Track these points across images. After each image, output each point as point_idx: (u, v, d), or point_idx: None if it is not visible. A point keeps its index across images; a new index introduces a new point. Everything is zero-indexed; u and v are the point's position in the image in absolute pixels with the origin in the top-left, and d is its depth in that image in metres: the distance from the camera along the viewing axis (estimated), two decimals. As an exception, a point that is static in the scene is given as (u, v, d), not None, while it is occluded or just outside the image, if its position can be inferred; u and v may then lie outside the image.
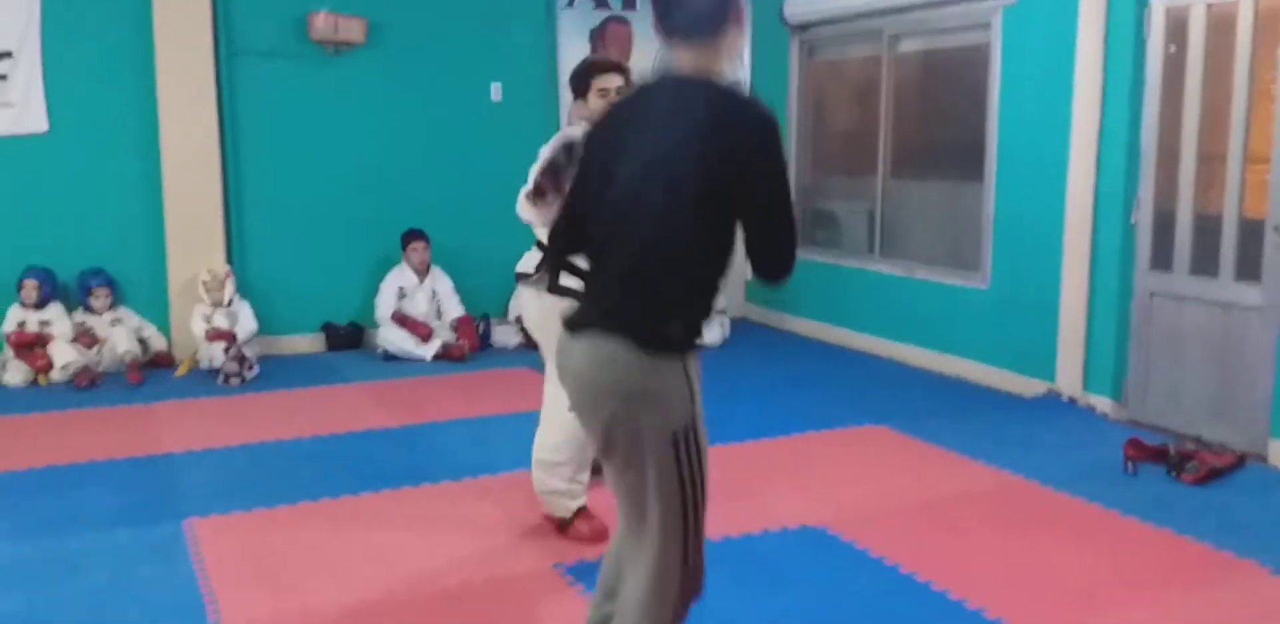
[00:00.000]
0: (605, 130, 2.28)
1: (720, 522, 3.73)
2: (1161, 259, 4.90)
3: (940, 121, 6.37)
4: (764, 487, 4.15)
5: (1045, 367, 5.43)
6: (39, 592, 3.22)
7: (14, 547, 3.57)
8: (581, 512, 3.65)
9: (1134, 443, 4.43)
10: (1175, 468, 4.23)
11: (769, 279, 2.20)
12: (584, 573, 3.31)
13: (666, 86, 2.22)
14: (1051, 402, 5.35)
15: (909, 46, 6.45)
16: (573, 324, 2.23)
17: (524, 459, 4.38)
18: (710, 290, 2.18)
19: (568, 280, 2.39)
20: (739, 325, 7.32)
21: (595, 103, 3.47)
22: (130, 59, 6.07)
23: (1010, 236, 5.68)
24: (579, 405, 2.25)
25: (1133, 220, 5.00)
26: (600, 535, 3.54)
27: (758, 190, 2.08)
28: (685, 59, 2.20)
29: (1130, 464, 4.32)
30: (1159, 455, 4.36)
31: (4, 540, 3.62)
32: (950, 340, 6.03)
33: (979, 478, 4.27)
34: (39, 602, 3.15)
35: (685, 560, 2.22)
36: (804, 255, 7.00)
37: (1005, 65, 5.63)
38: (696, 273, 2.13)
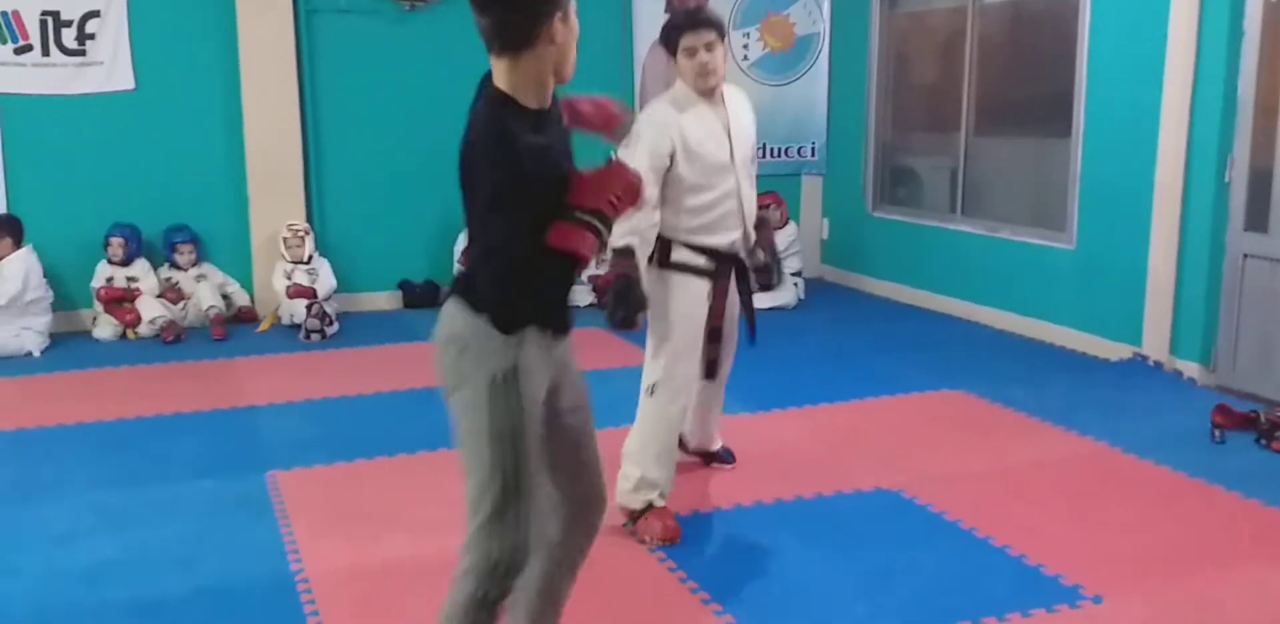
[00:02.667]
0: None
1: (793, 483, 3.74)
2: (1256, 219, 4.71)
3: (1026, 76, 6.17)
4: (837, 450, 4.12)
5: (1132, 330, 5.28)
6: (132, 537, 3.35)
7: (108, 494, 3.71)
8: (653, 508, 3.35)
9: (1222, 410, 4.30)
10: (1265, 436, 4.10)
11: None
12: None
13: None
14: (1137, 366, 5.21)
15: (995, -2, 6.25)
16: None
17: (602, 416, 4.43)
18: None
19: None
20: (814, 286, 7.24)
21: (684, 64, 3.20)
22: (213, 18, 6.15)
23: (1098, 196, 5.50)
24: None
25: (1227, 179, 4.81)
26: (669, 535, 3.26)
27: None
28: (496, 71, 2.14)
29: (1218, 431, 4.20)
30: (1248, 423, 4.22)
31: (98, 487, 3.76)
32: (1034, 303, 5.89)
33: (1059, 444, 4.18)
34: (133, 546, 3.28)
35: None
36: (883, 214, 7.03)
37: (1095, 16, 5.42)
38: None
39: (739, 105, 3.42)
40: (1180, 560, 3.16)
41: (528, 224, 2.04)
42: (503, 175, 2.01)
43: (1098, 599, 2.91)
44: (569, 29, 2.10)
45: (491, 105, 2.09)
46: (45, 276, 5.76)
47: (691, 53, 3.18)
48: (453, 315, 2.18)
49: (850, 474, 3.85)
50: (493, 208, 2.05)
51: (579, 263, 2.09)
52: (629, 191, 2.11)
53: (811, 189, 7.68)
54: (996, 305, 6.15)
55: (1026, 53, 6.18)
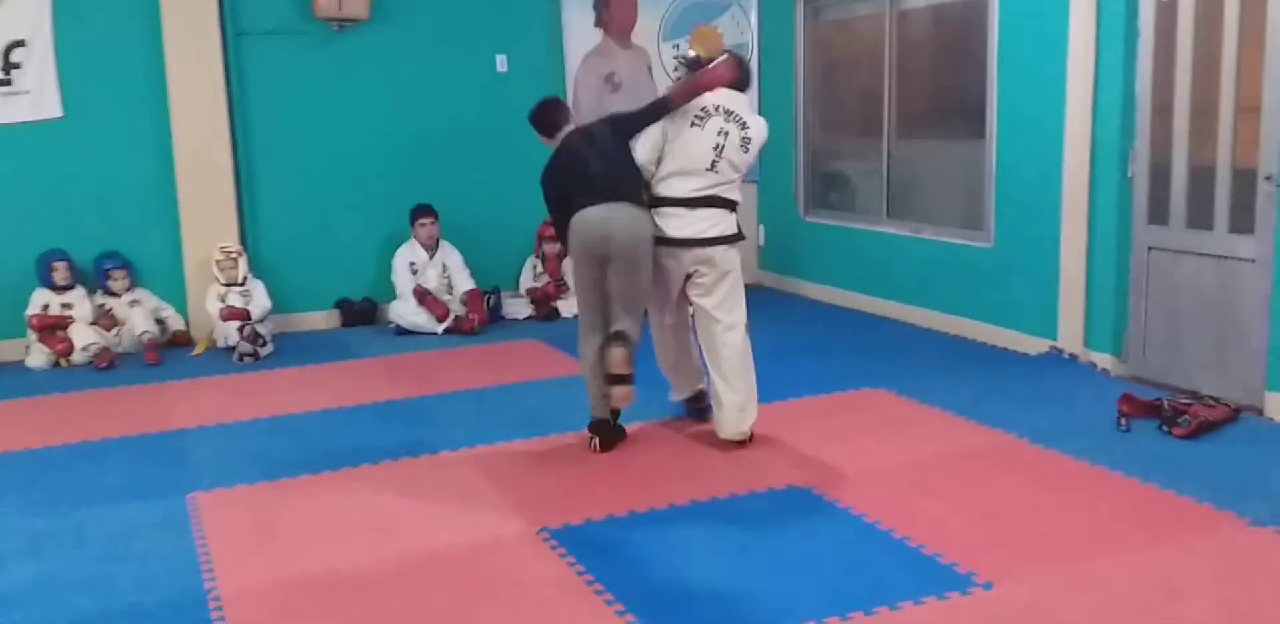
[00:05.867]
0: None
1: (706, 484, 3.83)
2: (1158, 213, 4.86)
3: (943, 79, 6.33)
4: (755, 450, 4.21)
5: (1048, 324, 5.43)
6: (50, 560, 3.39)
7: (30, 519, 3.74)
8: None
9: (1127, 399, 4.43)
10: (1168, 422, 4.23)
11: None
12: (568, 537, 3.41)
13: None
14: (1053, 359, 5.35)
15: (911, 3, 6.39)
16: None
17: (520, 428, 4.52)
18: None
19: None
20: (751, 292, 7.28)
21: None
22: (140, 43, 6.16)
23: (1012, 194, 5.65)
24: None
25: (1130, 174, 4.96)
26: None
27: None
28: None
29: (1123, 420, 4.33)
30: (1152, 410, 4.36)
31: (22, 513, 3.79)
32: (958, 301, 6.03)
33: (971, 437, 4.30)
34: (50, 569, 3.33)
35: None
36: (816, 219, 7.16)
37: (1003, 20, 5.58)
38: None
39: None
40: (1072, 545, 3.27)
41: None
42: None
43: (988, 585, 3.01)
44: None
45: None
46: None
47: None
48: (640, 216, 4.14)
49: (765, 473, 3.94)
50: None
51: None
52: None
53: (747, 196, 7.75)
54: (922, 304, 6.29)
55: (942, 57, 6.34)
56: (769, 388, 4.97)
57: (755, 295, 7.19)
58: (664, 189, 4.18)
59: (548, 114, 4.36)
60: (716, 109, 4.14)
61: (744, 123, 4.16)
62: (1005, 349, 5.64)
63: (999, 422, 4.43)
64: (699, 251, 4.15)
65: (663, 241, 4.17)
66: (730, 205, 4.20)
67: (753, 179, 7.72)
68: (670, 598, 3.02)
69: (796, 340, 6.07)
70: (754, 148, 4.22)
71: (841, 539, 3.37)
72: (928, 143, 6.56)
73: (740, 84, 4.30)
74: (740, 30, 7.62)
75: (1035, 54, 5.37)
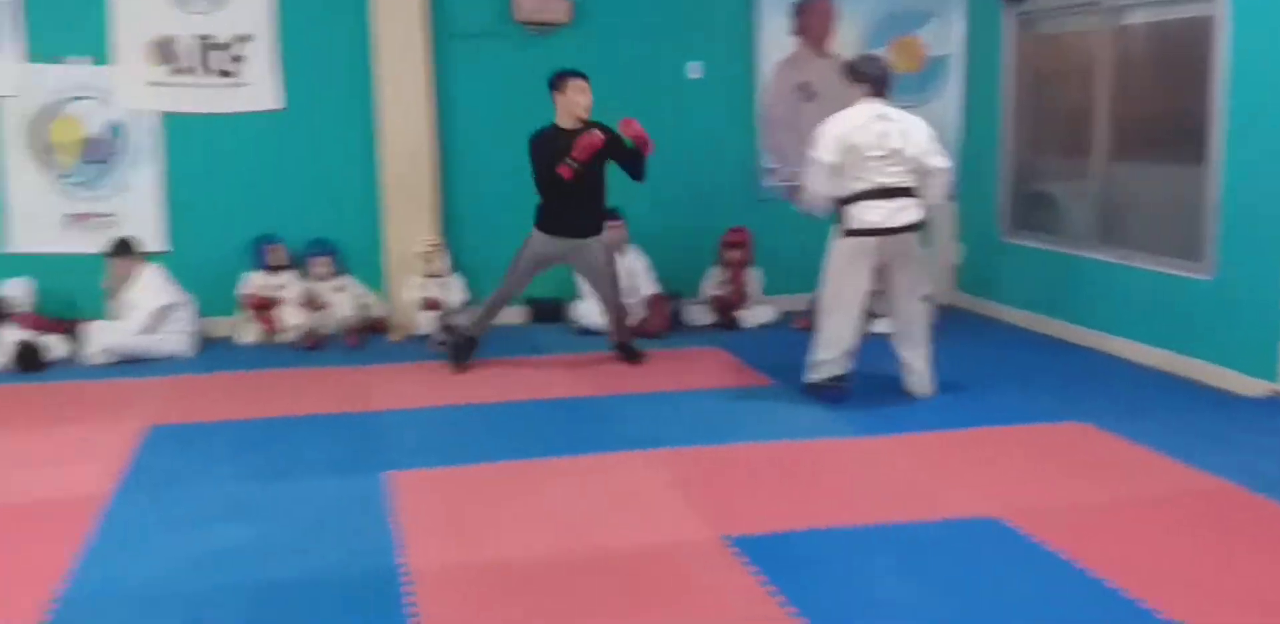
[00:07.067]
0: None
1: (894, 506, 3.72)
2: None
3: (1163, 99, 5.98)
4: (943, 477, 4.07)
5: (1269, 365, 5.04)
6: (258, 525, 3.59)
7: (241, 485, 3.99)
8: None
9: (1363, 450, 4.07)
10: None
11: None
12: (751, 546, 3.36)
13: None
14: (1274, 403, 4.96)
15: (1131, 18, 6.07)
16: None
17: (700, 433, 4.51)
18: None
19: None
20: (945, 313, 7.12)
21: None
22: (354, 42, 6.48)
23: (1239, 224, 5.27)
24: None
25: (1380, 208, 4.56)
26: None
27: None
28: None
29: (1356, 473, 3.98)
30: (1392, 465, 3.99)
31: (236, 480, 4.05)
32: (1169, 334, 5.66)
33: (1181, 480, 4.03)
34: (261, 533, 3.52)
35: None
36: (1018, 240, 6.89)
37: (1236, 38, 5.22)
38: None
39: None
40: (1297, 604, 3.02)
41: None
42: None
43: (1199, 636, 2.81)
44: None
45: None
46: (181, 286, 6.14)
47: None
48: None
49: (957, 501, 3.80)
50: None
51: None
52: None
53: (944, 213, 7.56)
54: (1130, 335, 5.94)
55: (1163, 75, 5.99)
56: (964, 414, 4.84)
57: (952, 317, 7.06)
58: None
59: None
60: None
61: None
62: (1220, 389, 5.27)
63: (1212, 465, 4.13)
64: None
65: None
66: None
67: (951, 196, 7.51)
68: (858, 622, 2.94)
69: (993, 367, 5.81)
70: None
71: (1037, 576, 3.20)
72: (1143, 165, 6.21)
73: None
74: (945, 41, 7.42)
75: (1273, 74, 5.01)
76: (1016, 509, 3.70)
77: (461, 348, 5.65)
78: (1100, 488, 3.95)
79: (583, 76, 5.41)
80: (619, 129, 5.38)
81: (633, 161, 5.47)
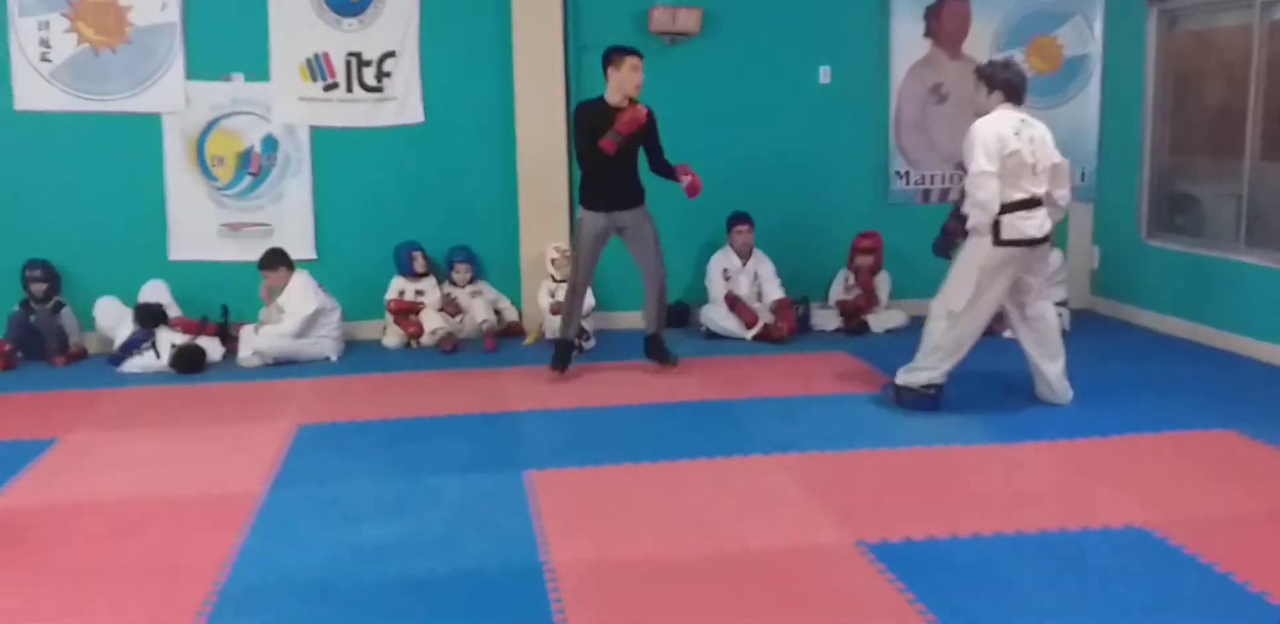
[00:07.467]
0: None
1: (1035, 514, 3.67)
2: None
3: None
4: (1087, 485, 3.99)
5: None
6: (407, 521, 3.74)
7: (388, 482, 4.16)
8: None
9: None
10: None
11: None
12: (887, 553, 3.37)
13: None
14: None
15: (1286, 14, 5.84)
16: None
17: (830, 439, 4.51)
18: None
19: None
20: (1083, 318, 6.94)
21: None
22: (492, 57, 6.68)
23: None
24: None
25: None
26: None
27: None
28: None
29: None
30: None
31: (382, 477, 4.22)
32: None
33: (1340, 491, 3.87)
34: (409, 528, 3.68)
35: None
36: (1160, 242, 6.67)
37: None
38: None
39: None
40: None
41: None
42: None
43: (1367, 656, 2.71)
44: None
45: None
46: (329, 291, 6.39)
47: None
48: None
49: (1100, 510, 3.72)
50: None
51: None
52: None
53: (1081, 216, 7.37)
54: (1276, 341, 5.71)
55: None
56: (1103, 422, 4.73)
57: (1089, 322, 6.89)
58: None
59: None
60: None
61: None
62: (1380, 398, 5.03)
63: (1376, 477, 3.96)
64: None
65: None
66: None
67: (1088, 198, 7.33)
68: (999, 628, 2.92)
69: (1135, 373, 5.65)
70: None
71: (1190, 588, 3.13)
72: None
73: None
74: (1083, 41, 7.24)
75: None
76: (1163, 519, 3.61)
77: (559, 353, 5.74)
78: (1248, 497, 3.82)
79: (638, 54, 5.44)
80: (677, 171, 5.54)
81: (662, 158, 5.64)
